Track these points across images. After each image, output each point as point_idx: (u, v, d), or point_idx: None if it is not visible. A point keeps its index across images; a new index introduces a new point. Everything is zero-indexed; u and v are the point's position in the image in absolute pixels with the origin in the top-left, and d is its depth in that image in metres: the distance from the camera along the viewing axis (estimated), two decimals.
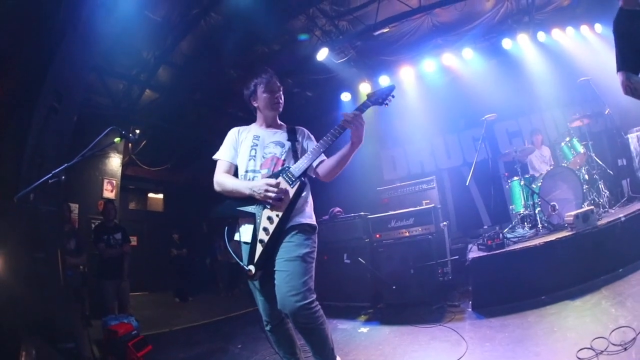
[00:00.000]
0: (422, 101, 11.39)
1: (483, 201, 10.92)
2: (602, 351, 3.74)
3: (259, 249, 3.36)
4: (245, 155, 3.80)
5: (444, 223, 7.88)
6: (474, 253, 6.55)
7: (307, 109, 10.99)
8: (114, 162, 9.97)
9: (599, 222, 6.01)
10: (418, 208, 7.11)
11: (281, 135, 3.94)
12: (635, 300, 3.74)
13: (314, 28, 9.06)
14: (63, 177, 3.30)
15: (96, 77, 8.61)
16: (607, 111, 8.05)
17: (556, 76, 9.94)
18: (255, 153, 3.79)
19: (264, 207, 3.47)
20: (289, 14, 8.38)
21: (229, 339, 6.17)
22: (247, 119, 8.56)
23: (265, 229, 3.40)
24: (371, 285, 6.90)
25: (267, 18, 7.70)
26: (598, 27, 10.20)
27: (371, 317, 6.56)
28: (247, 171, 3.73)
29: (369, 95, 3.74)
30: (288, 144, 3.85)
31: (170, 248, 12.09)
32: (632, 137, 7.52)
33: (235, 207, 3.57)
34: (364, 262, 6.83)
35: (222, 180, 3.70)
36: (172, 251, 12.00)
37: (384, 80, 10.86)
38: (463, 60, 10.57)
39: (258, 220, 3.44)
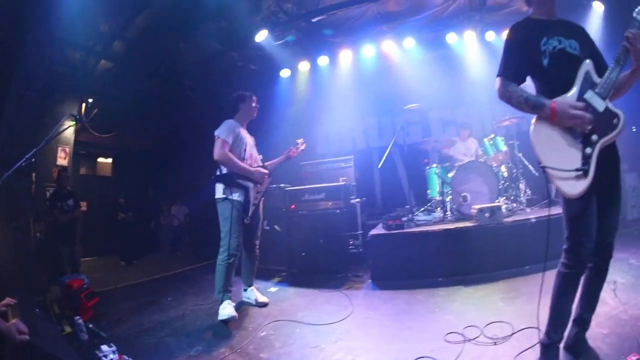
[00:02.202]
0: (360, 83, 11.70)
1: (409, 182, 11.06)
2: (471, 339, 3.95)
3: (252, 208, 5.51)
4: (242, 148, 5.61)
5: (356, 199, 8.30)
6: (376, 230, 6.94)
7: (251, 81, 11.09)
8: (68, 129, 9.78)
9: (506, 219, 6.40)
10: (329, 184, 7.50)
11: (251, 139, 5.92)
12: (527, 299, 3.87)
13: (259, 7, 9.25)
14: (33, 159, 3.93)
15: (56, 48, 8.55)
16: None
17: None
18: (247, 149, 5.68)
19: (254, 186, 5.54)
20: None
21: (162, 293, 6.76)
22: (195, 88, 8.83)
23: (255, 198, 5.63)
24: (286, 251, 7.34)
25: None
26: None
27: (283, 279, 7.10)
28: (244, 159, 5.56)
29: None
30: (255, 146, 5.94)
31: (117, 212, 12.29)
32: None
33: (236, 179, 5.38)
34: (279, 229, 7.37)
35: (232, 159, 5.35)
36: (119, 214, 12.20)
37: (322, 61, 11.17)
38: (404, 49, 10.78)
39: (250, 192, 5.48)
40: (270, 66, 11.02)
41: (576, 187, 2.87)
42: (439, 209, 8.06)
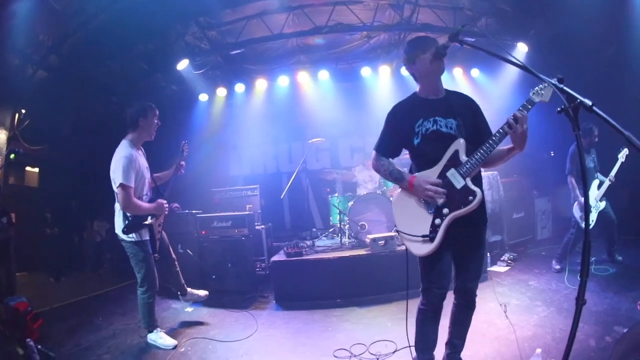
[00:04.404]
0: (274, 110, 12.23)
1: (317, 206, 11.83)
2: (356, 355, 4.63)
3: (158, 243, 5.47)
4: (144, 180, 5.35)
5: (261, 226, 8.90)
6: (277, 256, 7.46)
7: (172, 101, 11.61)
8: (1, 138, 9.76)
9: (400, 247, 6.81)
10: (235, 213, 7.99)
11: (144, 157, 5.50)
12: (415, 320, 3.85)
13: (185, 34, 9.67)
14: None
15: None
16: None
17: None
18: (145, 179, 5.36)
19: (155, 219, 5.39)
20: (168, 21, 8.95)
21: (92, 314, 7.06)
22: (122, 105, 9.04)
23: (158, 232, 5.50)
24: (198, 274, 7.68)
25: (148, 22, 8.31)
26: (475, 71, 11.20)
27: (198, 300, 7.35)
28: (146, 194, 5.38)
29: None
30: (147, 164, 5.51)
31: (44, 227, 12.10)
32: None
33: (142, 222, 5.25)
34: (191, 253, 7.67)
35: (139, 206, 5.16)
36: (46, 230, 12.02)
37: (239, 88, 11.59)
38: (318, 80, 11.42)
39: (154, 228, 5.39)
40: (191, 89, 11.29)
41: (422, 249, 3.36)
42: (338, 235, 8.46)
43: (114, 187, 5.06)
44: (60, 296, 8.36)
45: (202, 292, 6.38)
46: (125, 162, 4.99)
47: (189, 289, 6.29)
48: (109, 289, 9.02)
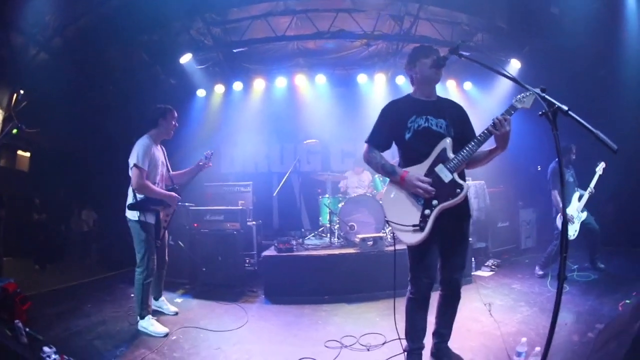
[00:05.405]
0: (269, 110, 12.35)
1: (305, 207, 11.71)
2: (347, 346, 4.78)
3: (162, 231, 5.81)
4: (156, 172, 5.66)
5: (252, 222, 8.99)
6: (268, 252, 7.57)
7: (170, 95, 11.25)
8: None
9: (388, 248, 7.07)
10: (228, 208, 8.08)
11: (162, 155, 5.94)
12: (401, 316, 4.05)
13: (190, 28, 9.66)
14: None
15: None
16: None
17: None
18: (159, 172, 5.72)
19: (163, 208, 5.69)
20: (175, 14, 8.91)
21: (81, 301, 7.02)
22: (119, 94, 8.84)
23: (165, 220, 5.82)
24: (189, 266, 7.78)
25: (156, 12, 8.28)
26: (468, 84, 11.52)
27: (187, 291, 7.58)
28: (157, 183, 5.67)
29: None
30: (165, 162, 5.96)
31: (32, 212, 11.88)
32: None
33: (151, 206, 5.53)
34: (182, 245, 7.71)
35: (150, 187, 5.45)
36: (34, 215, 11.84)
37: (237, 86, 11.68)
38: (314, 84, 11.61)
39: (160, 215, 5.69)
40: (189, 84, 11.29)
41: (412, 238, 3.55)
42: (328, 234, 8.60)
43: (130, 171, 5.45)
44: (46, 282, 8.34)
45: (173, 309, 6.41)
46: (141, 149, 5.44)
47: (163, 298, 6.47)
48: (96, 278, 8.96)
